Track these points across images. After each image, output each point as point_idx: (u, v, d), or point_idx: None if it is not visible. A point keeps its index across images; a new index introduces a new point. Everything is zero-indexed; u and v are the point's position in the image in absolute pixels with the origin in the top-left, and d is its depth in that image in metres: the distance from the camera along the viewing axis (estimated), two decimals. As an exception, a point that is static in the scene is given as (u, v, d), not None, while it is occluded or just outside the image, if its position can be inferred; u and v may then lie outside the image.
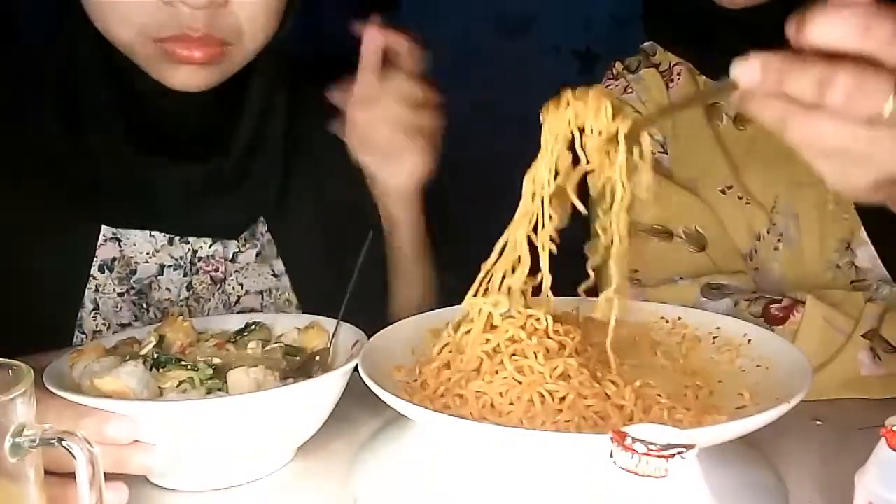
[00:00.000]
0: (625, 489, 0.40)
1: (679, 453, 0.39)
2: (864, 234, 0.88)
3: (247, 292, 0.93)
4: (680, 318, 0.76)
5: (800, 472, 0.65)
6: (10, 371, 0.48)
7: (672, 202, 0.94)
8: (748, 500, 0.60)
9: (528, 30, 2.39)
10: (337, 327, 0.74)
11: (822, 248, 0.90)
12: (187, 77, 0.79)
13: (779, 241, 0.92)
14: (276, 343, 0.75)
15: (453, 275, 0.99)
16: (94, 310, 0.87)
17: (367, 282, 0.82)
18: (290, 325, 0.77)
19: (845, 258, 0.89)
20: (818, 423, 0.73)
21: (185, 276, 0.90)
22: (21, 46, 0.93)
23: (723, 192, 0.94)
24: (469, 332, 0.66)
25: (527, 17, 2.44)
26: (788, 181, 0.91)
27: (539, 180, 0.65)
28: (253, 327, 0.77)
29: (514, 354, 0.64)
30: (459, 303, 0.69)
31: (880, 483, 0.46)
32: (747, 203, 0.93)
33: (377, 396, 0.60)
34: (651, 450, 0.39)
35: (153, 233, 0.88)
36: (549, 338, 0.65)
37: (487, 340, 0.65)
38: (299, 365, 0.71)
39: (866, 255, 0.89)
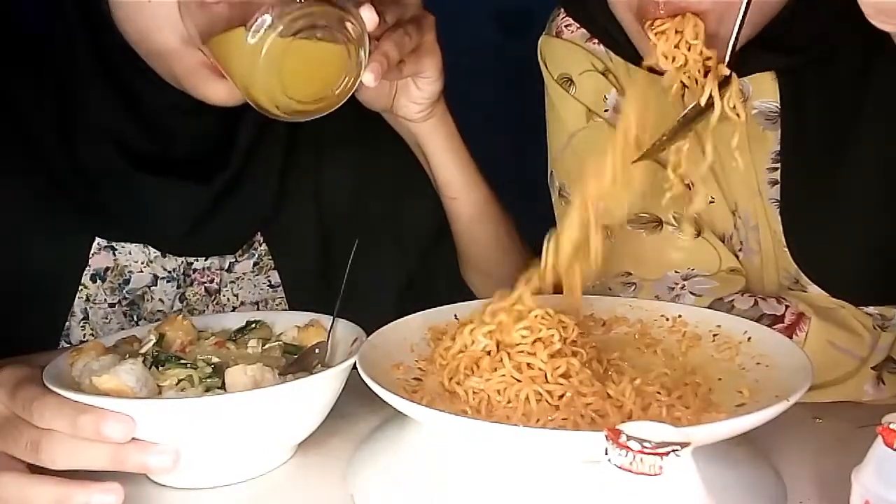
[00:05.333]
0: (619, 487, 0.40)
1: (674, 451, 0.39)
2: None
3: (242, 303, 0.91)
4: (680, 316, 0.76)
5: (798, 469, 0.64)
6: None
7: (653, 182, 0.81)
8: (746, 497, 0.60)
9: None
10: (333, 323, 0.74)
11: (778, 269, 0.83)
12: (227, 91, 0.73)
13: (739, 249, 0.84)
14: (275, 341, 0.75)
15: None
16: (83, 320, 0.85)
17: (376, 280, 0.80)
18: (290, 324, 0.77)
19: (796, 288, 0.82)
20: (818, 420, 0.73)
21: (178, 287, 0.88)
22: (21, 37, 0.86)
23: (688, 186, 0.80)
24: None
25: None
26: (747, 187, 0.82)
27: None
28: (253, 326, 0.77)
29: (521, 351, 0.63)
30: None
31: (877, 480, 0.46)
32: (711, 201, 0.83)
33: (375, 394, 0.60)
34: (645, 447, 0.39)
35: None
36: (565, 344, 0.65)
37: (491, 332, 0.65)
38: (296, 360, 0.71)
39: (816, 291, 0.80)
